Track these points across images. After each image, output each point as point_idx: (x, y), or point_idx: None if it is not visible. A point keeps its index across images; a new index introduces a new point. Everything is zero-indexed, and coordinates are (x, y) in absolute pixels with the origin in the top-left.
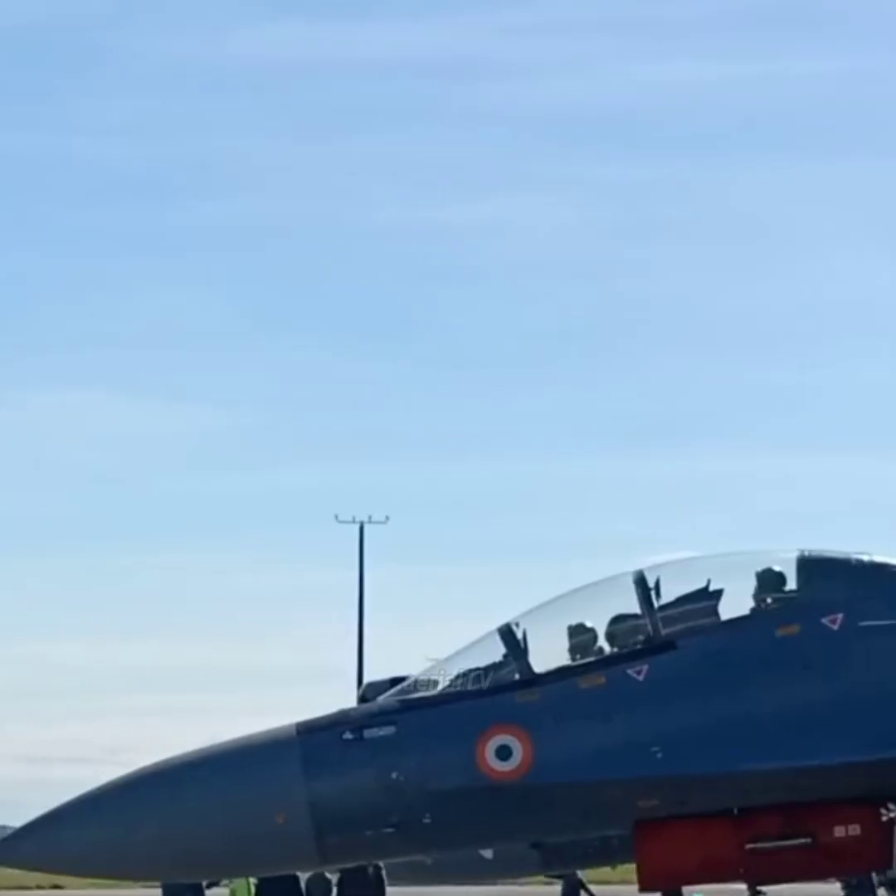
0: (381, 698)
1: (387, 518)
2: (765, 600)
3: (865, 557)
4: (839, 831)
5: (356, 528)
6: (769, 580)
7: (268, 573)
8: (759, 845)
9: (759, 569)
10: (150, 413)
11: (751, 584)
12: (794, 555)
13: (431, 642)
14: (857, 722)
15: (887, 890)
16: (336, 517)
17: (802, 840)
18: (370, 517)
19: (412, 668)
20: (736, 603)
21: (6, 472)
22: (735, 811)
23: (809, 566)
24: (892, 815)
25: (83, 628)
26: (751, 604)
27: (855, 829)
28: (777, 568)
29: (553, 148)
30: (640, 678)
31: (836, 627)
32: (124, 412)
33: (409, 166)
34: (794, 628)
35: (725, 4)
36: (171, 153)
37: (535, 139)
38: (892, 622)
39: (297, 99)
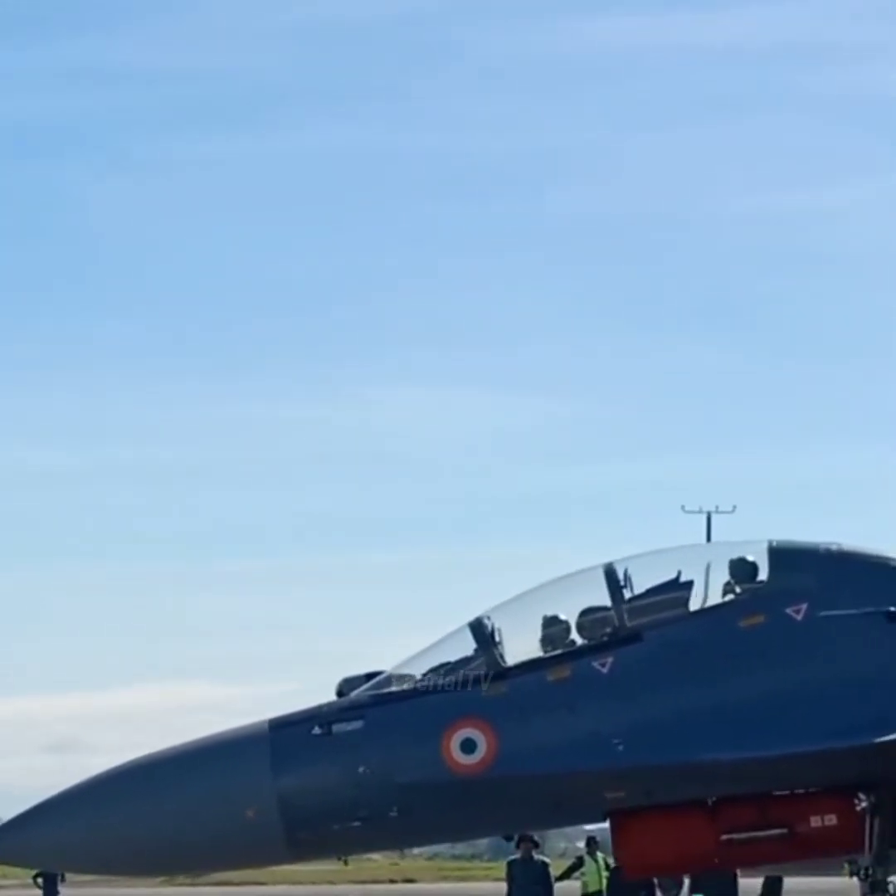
0: (354, 693)
1: (734, 508)
2: (731, 591)
3: (834, 547)
4: (815, 821)
5: (703, 518)
6: (738, 571)
7: None
8: (734, 836)
9: (729, 559)
10: (501, 406)
11: (720, 576)
12: (763, 545)
13: None
14: (819, 712)
15: (859, 878)
16: (683, 508)
17: (778, 831)
18: (717, 507)
19: None
20: (704, 594)
21: (354, 468)
22: (710, 802)
23: (776, 556)
24: (864, 804)
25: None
26: (718, 595)
27: (831, 819)
28: (747, 558)
29: None
30: (605, 670)
31: (799, 617)
32: (473, 405)
33: (761, 152)
34: (759, 619)
35: None
36: (523, 146)
37: (889, 122)
38: (855, 611)
39: (646, 88)
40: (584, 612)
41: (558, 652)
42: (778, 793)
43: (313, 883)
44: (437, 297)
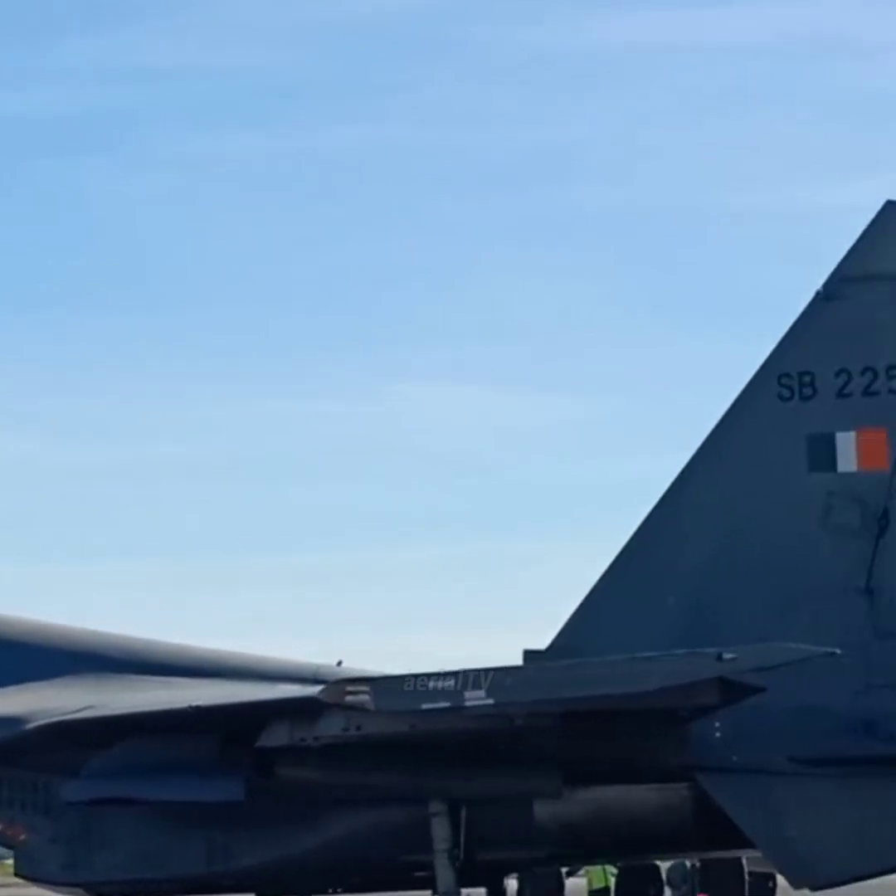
0: None
1: None
2: None
3: None
4: None
5: None
6: None
7: None
8: None
9: None
10: (512, 404)
11: None
12: None
13: None
14: None
15: None
16: None
17: None
18: None
19: None
20: None
21: (372, 463)
22: None
23: None
24: None
25: (452, 620)
26: None
27: None
28: None
29: None
30: None
31: None
32: (486, 403)
33: (783, 148)
34: None
35: None
36: (537, 142)
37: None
38: None
39: (662, 84)
40: None
41: None
42: None
43: None
44: (454, 293)
